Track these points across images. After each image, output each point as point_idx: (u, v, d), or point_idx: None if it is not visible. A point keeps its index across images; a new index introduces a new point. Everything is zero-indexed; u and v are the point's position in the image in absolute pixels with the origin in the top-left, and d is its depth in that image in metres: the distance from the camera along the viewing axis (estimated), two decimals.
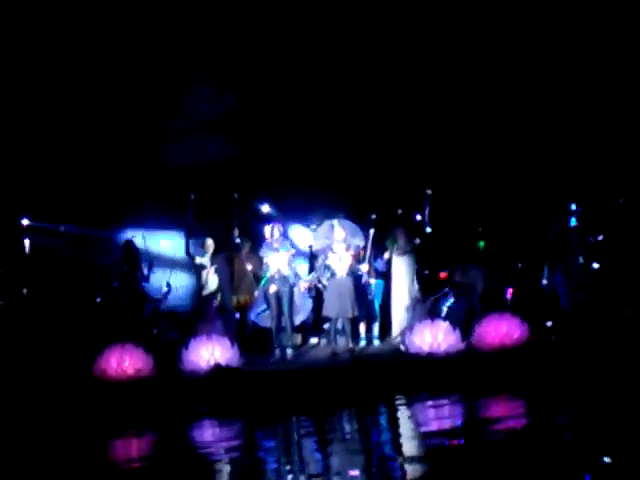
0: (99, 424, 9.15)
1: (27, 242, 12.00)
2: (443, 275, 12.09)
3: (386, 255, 12.08)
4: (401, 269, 12.08)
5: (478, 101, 13.54)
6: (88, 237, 12.64)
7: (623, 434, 6.93)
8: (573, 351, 10.40)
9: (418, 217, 12.32)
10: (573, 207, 11.93)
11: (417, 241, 12.03)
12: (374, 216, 12.32)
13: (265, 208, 12.07)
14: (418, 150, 13.26)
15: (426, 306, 11.90)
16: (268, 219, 11.86)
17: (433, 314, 11.71)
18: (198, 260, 11.85)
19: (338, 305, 11.06)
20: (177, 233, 12.56)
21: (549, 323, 11.47)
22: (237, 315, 12.09)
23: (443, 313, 11.90)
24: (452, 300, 11.99)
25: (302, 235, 12.89)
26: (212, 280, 11.77)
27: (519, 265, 12.21)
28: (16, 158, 12.36)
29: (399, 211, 12.41)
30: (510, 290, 12.05)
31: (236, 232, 11.82)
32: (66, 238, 12.54)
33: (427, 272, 12.48)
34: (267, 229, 11.51)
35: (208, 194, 12.16)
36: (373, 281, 12.16)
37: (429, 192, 11.99)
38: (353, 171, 13.18)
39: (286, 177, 12.96)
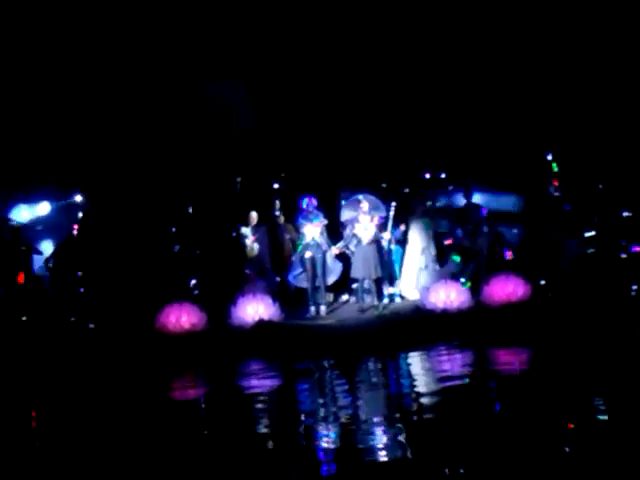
0: (160, 371, 9.24)
1: None
2: (448, 241, 12.07)
3: (402, 226, 12.13)
4: (416, 236, 12.11)
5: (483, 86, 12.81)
6: None
7: (611, 375, 7.11)
8: (569, 307, 10.39)
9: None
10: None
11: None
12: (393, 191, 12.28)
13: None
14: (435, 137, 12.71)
15: (441, 269, 11.93)
16: (302, 194, 11.72)
17: (446, 275, 11.65)
18: (243, 230, 11.90)
19: (364, 268, 11.15)
20: None
21: (543, 282, 11.37)
22: (277, 277, 12.13)
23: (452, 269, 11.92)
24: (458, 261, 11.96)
25: None
26: (254, 248, 11.84)
27: (515, 231, 12.22)
28: None
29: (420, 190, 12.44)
30: (509, 253, 11.96)
31: (277, 206, 11.93)
32: None
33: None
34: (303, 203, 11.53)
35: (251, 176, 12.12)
36: (393, 247, 12.20)
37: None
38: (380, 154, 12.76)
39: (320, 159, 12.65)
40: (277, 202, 12.00)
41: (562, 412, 6.00)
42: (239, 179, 11.82)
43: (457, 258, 11.86)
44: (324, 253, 11.43)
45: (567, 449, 5.09)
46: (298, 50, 12.40)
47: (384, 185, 12.31)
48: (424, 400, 6.99)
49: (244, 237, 11.88)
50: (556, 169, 11.83)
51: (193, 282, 11.63)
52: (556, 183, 11.63)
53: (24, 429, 7.17)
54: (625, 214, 11.62)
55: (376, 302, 11.27)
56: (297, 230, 11.75)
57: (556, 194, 11.71)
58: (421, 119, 12.37)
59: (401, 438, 5.71)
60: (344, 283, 12.23)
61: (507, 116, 12.47)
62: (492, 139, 12.44)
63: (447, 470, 4.79)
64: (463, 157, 12.35)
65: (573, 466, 4.74)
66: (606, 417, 5.81)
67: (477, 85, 12.47)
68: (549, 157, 11.97)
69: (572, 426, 5.67)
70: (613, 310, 10.00)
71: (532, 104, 12.57)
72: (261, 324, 10.44)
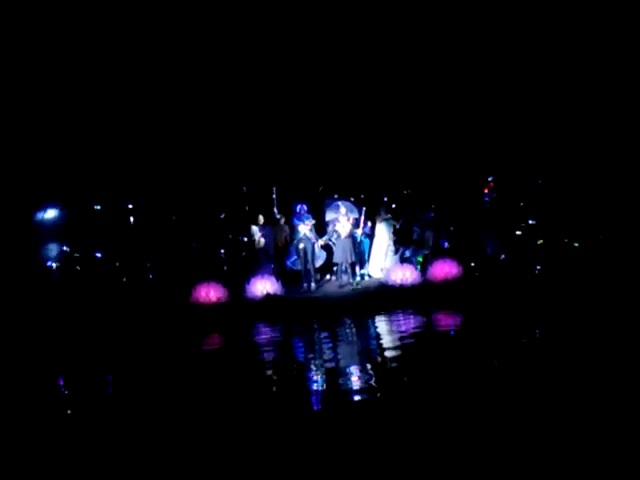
0: (193, 331, 10.13)
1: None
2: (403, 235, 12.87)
3: (369, 223, 13.07)
4: (381, 231, 13.07)
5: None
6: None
7: (520, 328, 8.31)
8: (491, 282, 11.64)
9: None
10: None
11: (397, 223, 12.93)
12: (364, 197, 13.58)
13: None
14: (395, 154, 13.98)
15: (398, 254, 13.14)
16: (296, 201, 12.69)
17: (402, 259, 12.98)
18: (253, 228, 12.83)
19: (342, 254, 12.24)
20: None
21: (472, 264, 12.56)
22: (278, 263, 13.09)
23: (406, 255, 13.02)
24: (411, 249, 13.07)
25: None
26: (261, 241, 12.79)
27: (451, 228, 13.35)
28: None
29: (384, 198, 13.68)
30: (446, 243, 13.09)
31: (276, 210, 12.80)
32: None
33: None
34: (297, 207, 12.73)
35: (259, 189, 12.96)
36: (364, 239, 13.22)
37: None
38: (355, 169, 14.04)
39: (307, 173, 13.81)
40: (276, 208, 12.70)
41: (486, 355, 6.98)
42: (244, 188, 12.79)
43: (410, 247, 13.04)
44: (313, 244, 12.45)
45: (495, 379, 6.13)
46: (293, 87, 13.57)
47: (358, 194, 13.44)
48: (386, 350, 7.86)
49: (254, 233, 12.75)
50: (489, 179, 13.05)
51: (218, 266, 12.78)
52: (486, 190, 13.10)
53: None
54: (530, 222, 13.21)
55: (351, 280, 12.28)
56: (292, 228, 12.67)
57: (485, 199, 13.03)
58: (385, 148, 13.64)
59: (370, 378, 6.60)
60: (328, 266, 13.25)
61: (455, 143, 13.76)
62: (441, 161, 13.75)
63: (404, 394, 5.84)
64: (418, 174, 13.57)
65: (500, 387, 5.75)
66: (522, 355, 6.86)
67: (429, 120, 13.82)
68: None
69: (496, 362, 6.68)
70: (523, 284, 11.30)
71: (476, 132, 13.88)
72: (268, 297, 11.39)
